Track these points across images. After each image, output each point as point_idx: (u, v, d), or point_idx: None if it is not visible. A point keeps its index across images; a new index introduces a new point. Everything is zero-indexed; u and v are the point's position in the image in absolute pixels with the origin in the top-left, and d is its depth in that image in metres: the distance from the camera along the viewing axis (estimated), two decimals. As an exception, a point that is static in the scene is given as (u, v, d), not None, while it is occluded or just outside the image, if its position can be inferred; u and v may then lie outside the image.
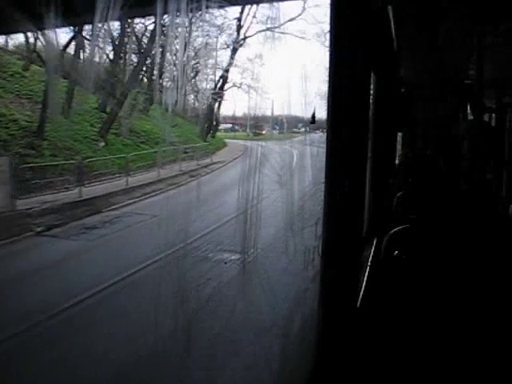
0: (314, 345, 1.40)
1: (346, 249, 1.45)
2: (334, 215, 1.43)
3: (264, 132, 21.51)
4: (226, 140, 21.70)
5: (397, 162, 6.14)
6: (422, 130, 6.89)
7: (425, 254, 1.50)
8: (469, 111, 8.95)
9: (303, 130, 20.19)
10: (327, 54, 1.37)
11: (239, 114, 24.08)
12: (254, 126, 22.55)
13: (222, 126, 24.03)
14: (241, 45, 17.49)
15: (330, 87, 1.31)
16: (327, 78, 1.38)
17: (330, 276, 1.45)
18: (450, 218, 1.61)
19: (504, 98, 8.01)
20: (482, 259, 1.49)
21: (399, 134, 9.10)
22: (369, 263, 2.33)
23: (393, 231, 1.50)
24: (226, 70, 17.65)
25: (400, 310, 1.52)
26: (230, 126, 24.02)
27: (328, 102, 1.40)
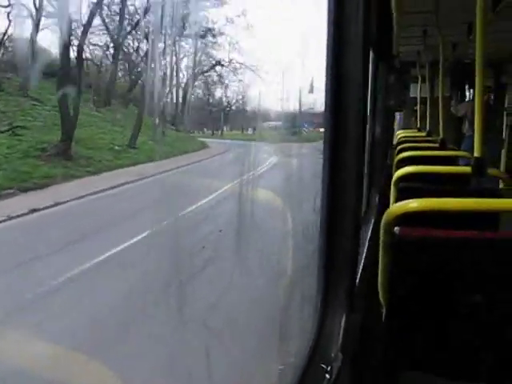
0: (314, 317, 1.42)
1: (345, 224, 1.46)
2: (334, 193, 1.44)
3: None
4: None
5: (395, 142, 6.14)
6: (421, 110, 6.87)
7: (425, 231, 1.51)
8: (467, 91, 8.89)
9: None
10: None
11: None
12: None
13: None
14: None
15: (328, 58, 1.29)
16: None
17: (329, 251, 1.46)
18: (448, 193, 1.62)
19: (502, 78, 7.98)
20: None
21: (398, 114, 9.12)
22: (367, 240, 2.35)
23: (392, 207, 1.52)
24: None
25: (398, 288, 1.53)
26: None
27: (326, 79, 1.39)
